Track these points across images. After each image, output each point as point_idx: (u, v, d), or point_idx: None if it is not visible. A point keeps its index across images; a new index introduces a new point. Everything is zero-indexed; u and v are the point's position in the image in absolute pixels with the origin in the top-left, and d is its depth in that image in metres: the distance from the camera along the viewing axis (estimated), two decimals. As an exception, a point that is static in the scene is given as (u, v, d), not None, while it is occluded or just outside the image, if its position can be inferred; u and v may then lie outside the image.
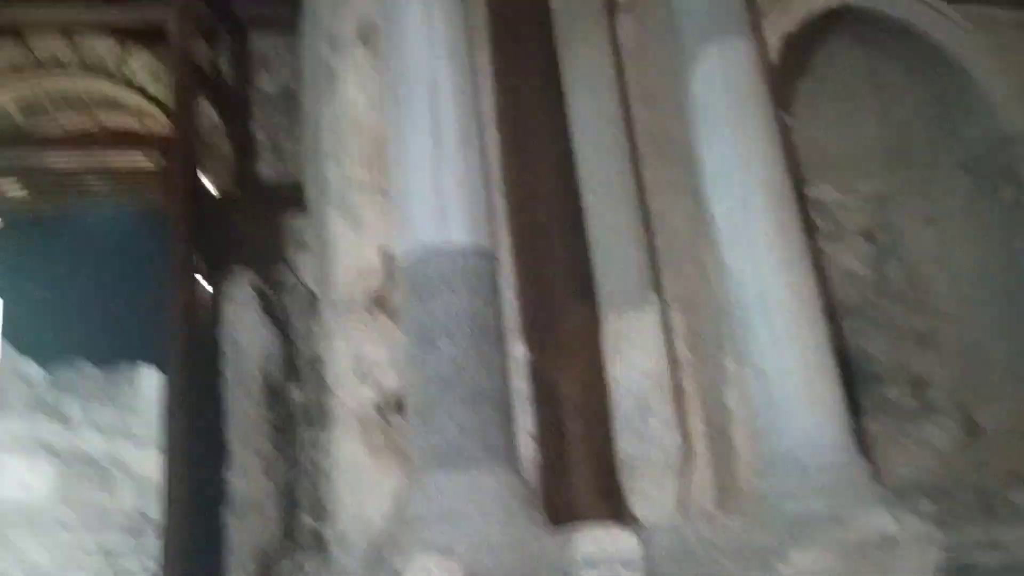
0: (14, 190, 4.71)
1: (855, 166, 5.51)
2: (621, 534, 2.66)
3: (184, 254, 4.26)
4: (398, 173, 3.24)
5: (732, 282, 3.28)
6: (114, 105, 5.29)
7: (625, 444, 4.04)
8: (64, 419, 8.06)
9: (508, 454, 2.78)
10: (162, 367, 8.94)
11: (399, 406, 3.94)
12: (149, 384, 8.89)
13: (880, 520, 2.82)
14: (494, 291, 2.97)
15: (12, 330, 7.17)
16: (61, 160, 4.39)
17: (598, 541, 2.61)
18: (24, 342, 7.72)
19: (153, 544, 8.68)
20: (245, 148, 5.06)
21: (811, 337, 3.13)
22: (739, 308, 3.24)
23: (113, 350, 8.62)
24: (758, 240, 3.26)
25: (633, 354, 4.08)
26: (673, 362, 4.18)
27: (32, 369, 7.86)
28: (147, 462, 8.72)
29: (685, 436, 4.07)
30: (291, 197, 4.79)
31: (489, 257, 3.00)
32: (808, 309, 3.18)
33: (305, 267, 4.45)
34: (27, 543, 7.51)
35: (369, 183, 4.00)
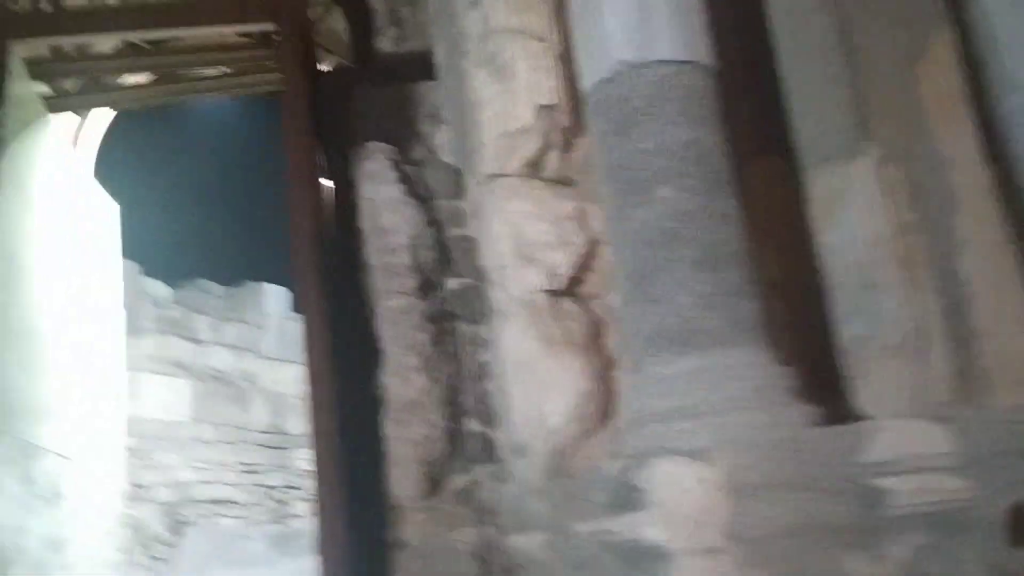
0: (127, 73, 4.15)
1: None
2: (930, 428, 1.89)
3: (305, 131, 3.59)
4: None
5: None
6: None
7: (845, 324, 3.23)
8: (194, 338, 7.75)
9: (758, 327, 2.02)
10: (287, 282, 8.54)
11: (572, 290, 3.24)
12: (275, 301, 8.52)
13: None
14: (719, 117, 2.17)
15: (136, 249, 6.78)
16: (172, 33, 3.77)
17: (900, 438, 1.85)
18: (148, 262, 7.38)
19: (294, 461, 8.43)
20: (361, 20, 4.33)
21: None
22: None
23: (237, 270, 8.25)
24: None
25: (849, 216, 3.22)
26: (896, 224, 3.32)
27: (159, 289, 7.53)
28: (280, 378, 8.41)
29: (918, 312, 3.24)
30: (417, 67, 4.05)
31: (709, 73, 2.20)
32: None
33: (442, 141, 3.73)
34: (170, 461, 7.29)
35: (519, 27, 3.21)
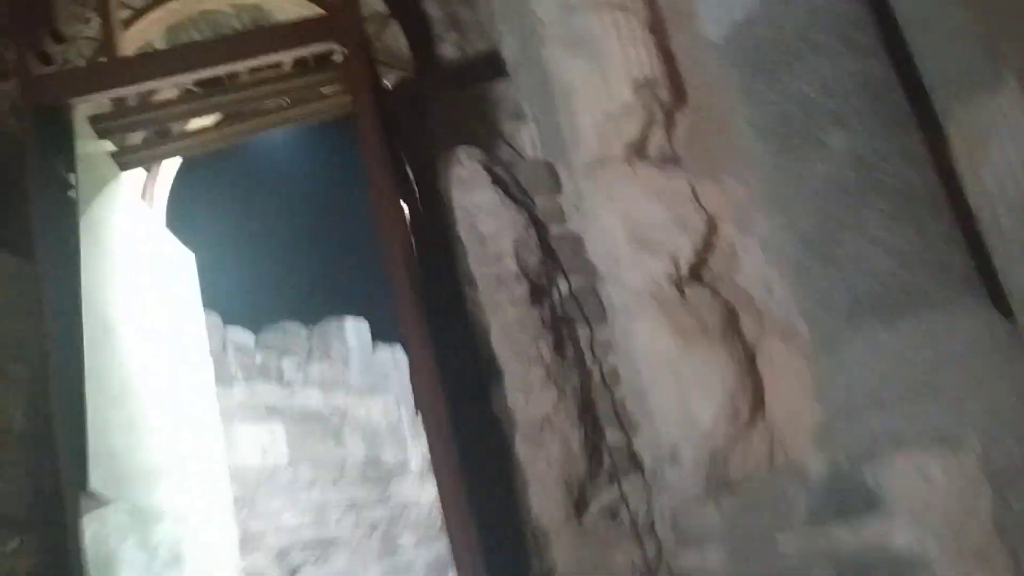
0: (191, 118, 3.99)
1: None
2: None
3: (384, 150, 3.36)
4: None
5: None
6: (261, 15, 4.46)
7: (1011, 271, 2.86)
8: (282, 380, 7.61)
9: (972, 278, 1.69)
10: (366, 312, 8.37)
11: (697, 275, 2.93)
12: (356, 334, 8.37)
13: None
14: (882, 45, 1.85)
15: (214, 299, 6.68)
16: (233, 68, 3.57)
17: None
18: (228, 311, 7.27)
19: (395, 492, 8.24)
20: (420, 29, 4.10)
21: None
22: None
23: (316, 307, 8.13)
24: None
25: (1000, 152, 2.85)
26: (1052, 153, 2.93)
27: (242, 336, 7.41)
28: (370, 410, 8.24)
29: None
30: (486, 67, 3.80)
31: (862, -3, 1.88)
32: None
33: (527, 138, 3.45)
34: (275, 506, 7.15)
35: (602, 0, 2.92)
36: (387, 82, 4.31)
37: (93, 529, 3.05)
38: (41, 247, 3.23)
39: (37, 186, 3.30)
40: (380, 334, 8.61)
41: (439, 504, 3.03)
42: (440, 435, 3.01)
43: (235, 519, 5.51)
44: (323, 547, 7.31)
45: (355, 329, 8.32)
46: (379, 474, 8.07)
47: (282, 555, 6.93)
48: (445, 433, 3.00)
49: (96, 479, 3.08)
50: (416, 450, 8.77)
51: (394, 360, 8.80)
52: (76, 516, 2.90)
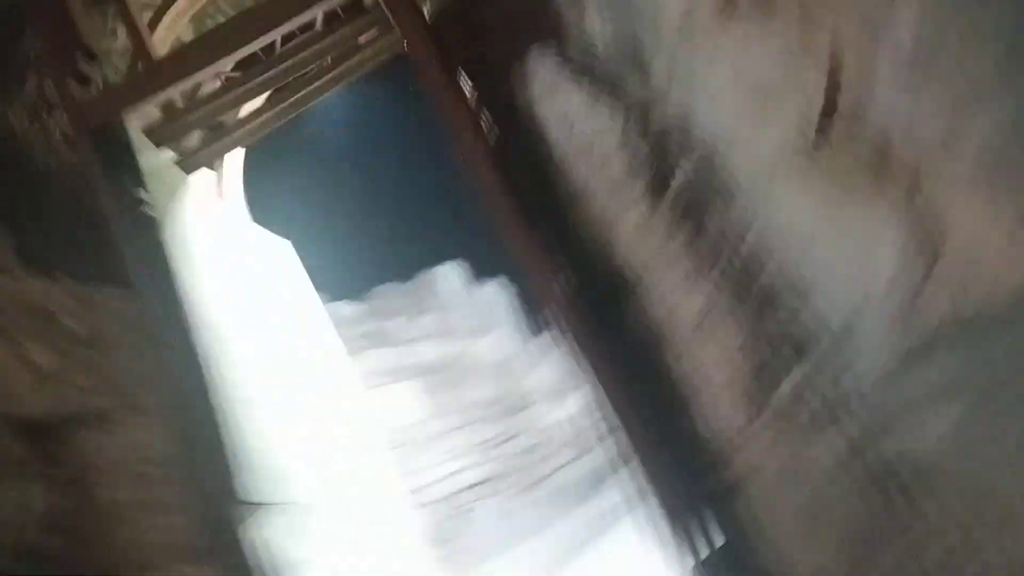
0: (240, 104, 3.77)
1: None
2: None
3: (449, 80, 3.06)
4: None
5: None
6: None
7: None
8: (395, 342, 7.56)
9: None
10: (459, 254, 8.20)
11: (829, 119, 2.54)
12: (452, 279, 8.23)
13: None
14: None
15: (312, 280, 6.61)
16: (269, 38, 3.32)
17: None
18: (327, 288, 7.19)
19: (530, 420, 8.18)
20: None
21: None
22: None
23: (409, 262, 8.00)
24: None
25: None
26: None
27: (347, 309, 7.36)
28: (484, 348, 8.14)
29: None
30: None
31: None
32: None
33: (595, 25, 3.08)
34: (422, 462, 7.17)
35: None
36: (425, 9, 3.97)
37: (260, 536, 2.97)
38: (135, 271, 3.10)
39: (113, 211, 3.15)
40: (479, 272, 8.44)
41: (613, 432, 2.81)
42: (587, 357, 2.78)
43: (391, 485, 5.49)
44: (478, 488, 7.34)
45: (452, 274, 8.17)
46: (511, 408, 8.00)
47: (441, 508, 6.98)
48: (592, 354, 2.77)
49: (248, 487, 2.99)
50: (538, 376, 8.65)
51: (498, 295, 8.64)
52: (241, 529, 2.82)
